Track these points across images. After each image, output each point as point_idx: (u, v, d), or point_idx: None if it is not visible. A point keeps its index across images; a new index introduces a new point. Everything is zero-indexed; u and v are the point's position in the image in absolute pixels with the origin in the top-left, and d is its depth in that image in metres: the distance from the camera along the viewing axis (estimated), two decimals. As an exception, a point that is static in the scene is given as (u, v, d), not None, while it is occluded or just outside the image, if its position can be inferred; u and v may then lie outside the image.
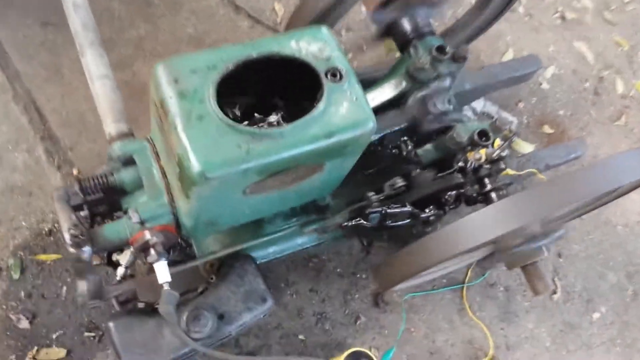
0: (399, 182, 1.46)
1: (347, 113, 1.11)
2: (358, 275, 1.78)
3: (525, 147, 2.05)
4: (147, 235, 1.21)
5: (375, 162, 1.56)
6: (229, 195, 1.14)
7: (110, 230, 1.24)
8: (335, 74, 1.12)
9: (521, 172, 1.71)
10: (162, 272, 1.23)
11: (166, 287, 1.23)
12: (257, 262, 1.56)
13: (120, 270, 1.30)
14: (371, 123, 1.13)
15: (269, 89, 1.24)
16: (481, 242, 1.18)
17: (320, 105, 1.08)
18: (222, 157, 1.02)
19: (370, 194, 1.44)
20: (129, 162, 1.27)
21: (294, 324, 1.69)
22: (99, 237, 1.22)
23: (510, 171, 1.67)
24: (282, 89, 1.23)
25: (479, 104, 1.93)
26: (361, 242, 1.66)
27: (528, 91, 2.17)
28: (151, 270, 1.27)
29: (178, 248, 1.47)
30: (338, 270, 1.78)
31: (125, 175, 1.26)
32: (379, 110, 1.44)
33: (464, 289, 1.81)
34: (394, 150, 1.55)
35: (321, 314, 1.72)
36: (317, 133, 1.08)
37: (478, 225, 1.17)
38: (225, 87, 1.09)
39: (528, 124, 2.12)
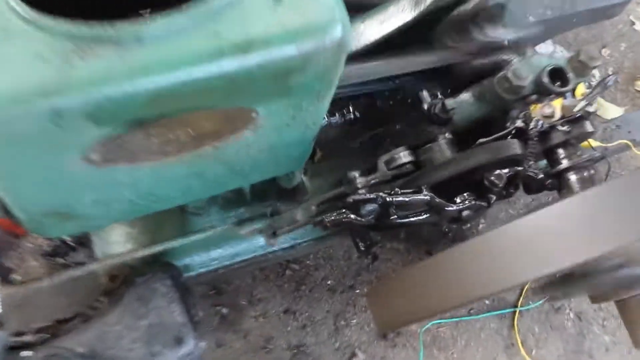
0: (402, 157, 1.00)
1: (287, 5, 0.58)
2: (358, 291, 1.38)
3: (611, 110, 1.70)
4: (-53, 234, 0.73)
5: (383, 120, 1.10)
6: (55, 165, 0.60)
7: None
8: None
9: (608, 145, 1.33)
10: (-21, 298, 0.74)
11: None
12: (196, 273, 1.07)
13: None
14: (338, 26, 0.60)
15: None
16: (551, 271, 0.65)
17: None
18: (9, 84, 0.52)
19: (353, 174, 0.98)
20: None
21: (257, 362, 1.26)
22: None
23: (592, 142, 1.24)
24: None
25: (546, 49, 1.51)
26: (356, 245, 1.10)
27: (615, 33, 1.85)
28: (52, 270, 1.04)
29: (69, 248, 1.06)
30: (328, 282, 1.38)
31: None
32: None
33: (516, 315, 1.43)
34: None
35: (299, 347, 1.31)
36: (219, 42, 0.56)
37: (545, 238, 0.70)
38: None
39: (615, 79, 1.64)
